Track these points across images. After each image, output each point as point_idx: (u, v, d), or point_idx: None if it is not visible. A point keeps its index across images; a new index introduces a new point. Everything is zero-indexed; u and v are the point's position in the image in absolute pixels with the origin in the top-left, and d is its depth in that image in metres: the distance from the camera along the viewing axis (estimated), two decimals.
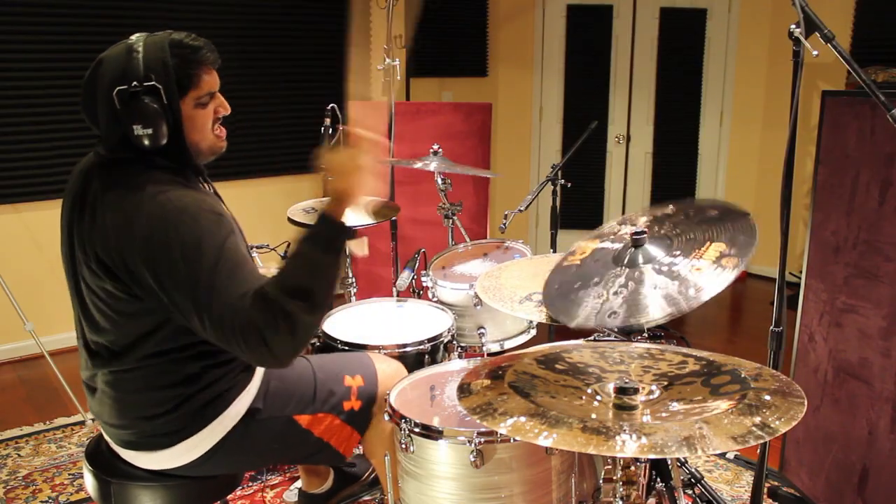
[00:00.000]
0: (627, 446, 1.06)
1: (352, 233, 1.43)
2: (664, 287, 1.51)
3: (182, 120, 1.46)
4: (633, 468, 1.32)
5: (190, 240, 1.36)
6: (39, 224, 3.80)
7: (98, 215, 1.43)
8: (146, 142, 1.40)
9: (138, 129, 1.39)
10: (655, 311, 1.48)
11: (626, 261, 1.62)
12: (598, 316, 1.53)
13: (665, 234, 1.65)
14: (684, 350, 1.42)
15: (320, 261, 1.38)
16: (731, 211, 1.64)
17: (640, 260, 1.60)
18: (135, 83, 1.39)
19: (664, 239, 1.64)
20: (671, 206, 1.74)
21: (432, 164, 2.60)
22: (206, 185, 1.58)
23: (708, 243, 1.56)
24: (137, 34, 1.46)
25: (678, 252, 1.58)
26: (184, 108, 1.46)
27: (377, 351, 1.98)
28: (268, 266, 2.47)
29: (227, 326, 1.34)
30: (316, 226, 1.42)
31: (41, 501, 2.52)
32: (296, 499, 2.32)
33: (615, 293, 1.56)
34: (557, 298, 1.69)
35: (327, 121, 2.89)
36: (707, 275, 1.49)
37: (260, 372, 1.67)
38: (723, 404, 1.17)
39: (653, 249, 1.62)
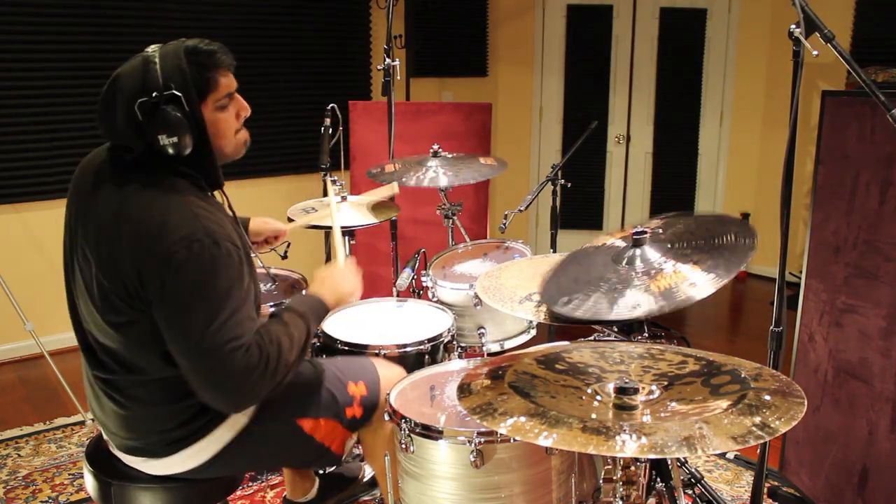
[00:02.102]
0: (627, 446, 1.06)
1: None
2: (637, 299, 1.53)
3: (206, 126, 1.47)
4: (633, 468, 1.32)
5: (205, 269, 1.38)
6: (39, 224, 3.80)
7: (116, 218, 1.42)
8: (171, 150, 1.41)
9: (163, 139, 1.40)
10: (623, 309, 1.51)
11: (624, 261, 1.63)
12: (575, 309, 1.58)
13: (667, 240, 1.65)
14: (684, 350, 1.42)
15: (310, 328, 1.59)
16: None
17: (638, 261, 1.61)
18: (155, 94, 1.40)
19: (664, 244, 1.64)
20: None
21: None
22: (222, 194, 1.61)
23: (691, 264, 1.56)
24: (153, 46, 1.47)
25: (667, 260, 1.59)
26: (205, 112, 1.47)
27: (377, 352, 1.98)
28: (267, 267, 2.48)
29: (210, 361, 1.38)
30: (319, 305, 1.67)
31: (41, 501, 2.52)
32: None
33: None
34: (552, 283, 1.75)
35: (327, 121, 2.89)
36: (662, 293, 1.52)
37: None
38: (723, 403, 1.17)
39: (651, 252, 1.62)
